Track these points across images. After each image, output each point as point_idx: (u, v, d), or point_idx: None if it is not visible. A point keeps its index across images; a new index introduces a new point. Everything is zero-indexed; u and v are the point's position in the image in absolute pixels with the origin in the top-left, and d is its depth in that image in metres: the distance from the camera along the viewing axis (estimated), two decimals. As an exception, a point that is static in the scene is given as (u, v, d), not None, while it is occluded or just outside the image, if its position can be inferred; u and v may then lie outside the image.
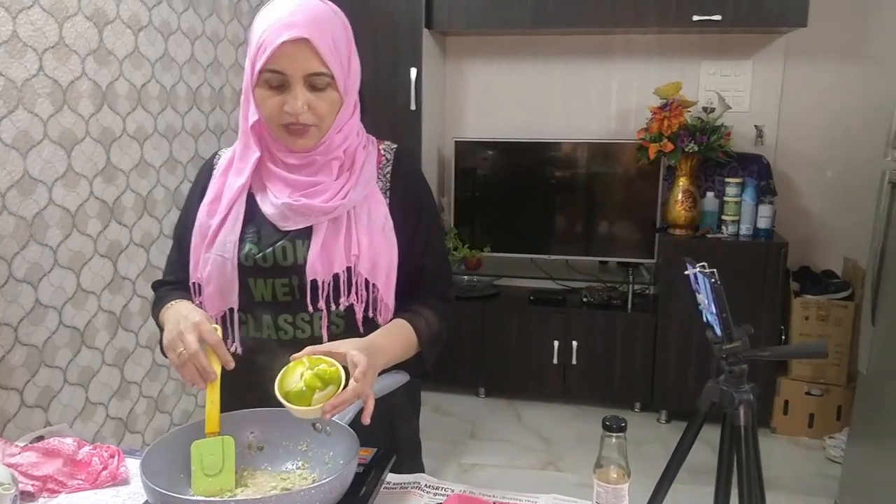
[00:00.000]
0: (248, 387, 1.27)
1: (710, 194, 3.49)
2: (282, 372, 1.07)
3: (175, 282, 1.36)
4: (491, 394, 3.81)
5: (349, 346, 1.10)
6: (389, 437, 1.30)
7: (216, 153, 1.37)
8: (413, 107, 3.45)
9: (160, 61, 2.52)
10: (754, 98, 3.65)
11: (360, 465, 1.10)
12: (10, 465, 1.18)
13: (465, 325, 3.65)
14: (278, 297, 1.25)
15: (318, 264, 1.22)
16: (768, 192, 3.40)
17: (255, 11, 2.94)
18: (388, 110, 3.43)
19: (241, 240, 1.25)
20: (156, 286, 1.40)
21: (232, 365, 1.14)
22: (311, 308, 1.24)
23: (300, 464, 1.15)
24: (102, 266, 2.28)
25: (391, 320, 1.29)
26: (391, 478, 1.23)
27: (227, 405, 1.14)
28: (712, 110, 3.38)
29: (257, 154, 1.25)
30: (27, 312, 1.99)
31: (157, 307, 1.32)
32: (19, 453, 1.25)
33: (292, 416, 1.06)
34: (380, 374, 1.18)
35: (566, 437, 3.38)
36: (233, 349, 1.28)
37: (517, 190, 3.79)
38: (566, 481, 2.99)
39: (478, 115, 3.97)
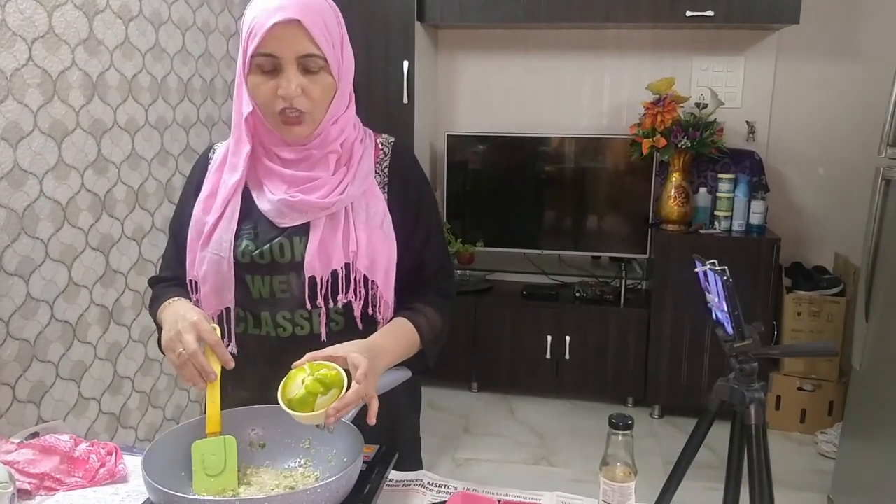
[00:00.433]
0: (247, 384, 1.26)
1: (702, 190, 3.50)
2: (284, 380, 1.05)
3: (172, 278, 1.34)
4: (484, 388, 3.81)
5: (349, 349, 1.08)
6: (391, 434, 1.29)
7: (211, 147, 1.35)
8: (405, 100, 3.43)
9: (151, 52, 2.49)
10: (746, 94, 3.66)
11: (363, 462, 1.09)
12: (6, 463, 1.16)
13: (458, 320, 3.64)
14: (276, 294, 1.24)
15: (317, 261, 1.20)
16: (761, 188, 3.41)
17: (245, 2, 2.92)
18: (381, 103, 3.41)
19: (238, 236, 1.23)
20: (152, 282, 1.38)
21: (231, 364, 1.13)
22: (309, 305, 1.22)
23: (303, 461, 1.14)
24: (94, 259, 2.25)
25: (392, 318, 1.28)
26: (393, 475, 1.22)
27: (226, 403, 1.13)
28: (705, 106, 3.38)
29: (248, 147, 1.23)
30: (18, 306, 1.95)
31: (154, 305, 1.30)
32: (15, 450, 1.22)
33: (294, 415, 1.05)
34: (381, 371, 1.17)
35: (559, 432, 3.38)
36: (229, 348, 1.26)
37: (510, 184, 3.78)
38: (560, 476, 2.99)
39: (470, 109, 3.95)
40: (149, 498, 1.00)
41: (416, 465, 1.45)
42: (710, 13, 3.24)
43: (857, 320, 2.56)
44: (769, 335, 3.36)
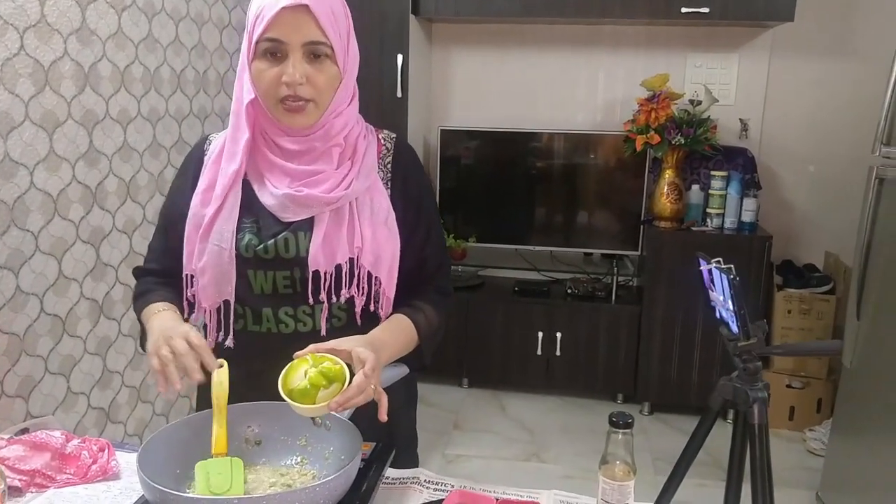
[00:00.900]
0: (245, 380, 1.24)
1: (695, 187, 3.50)
2: (285, 370, 1.04)
3: (158, 271, 1.32)
4: (474, 384, 3.80)
5: (354, 344, 1.08)
6: (388, 431, 1.28)
7: (206, 139, 1.33)
8: (399, 94, 3.41)
9: (144, 42, 2.46)
10: (740, 91, 3.66)
11: (360, 460, 1.08)
12: (-4, 459, 1.14)
13: (449, 316, 3.62)
14: (279, 289, 1.22)
15: (321, 256, 1.19)
16: (753, 186, 3.42)
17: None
18: (374, 97, 3.39)
19: (239, 230, 1.22)
20: (138, 274, 1.35)
21: (214, 367, 1.09)
22: (311, 300, 1.21)
23: (299, 459, 1.13)
24: (85, 252, 2.22)
25: (391, 314, 1.27)
26: (390, 472, 1.22)
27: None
28: (699, 103, 3.39)
29: (247, 135, 1.21)
30: (8, 300, 1.93)
31: (139, 302, 1.27)
32: (5, 446, 1.21)
33: (292, 411, 1.03)
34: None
35: (550, 429, 3.37)
36: (226, 343, 1.25)
37: (502, 180, 3.77)
38: (551, 473, 2.99)
39: (464, 103, 3.94)
40: (143, 496, 0.99)
41: (413, 461, 1.44)
42: (705, 10, 3.25)
43: (848, 318, 2.57)
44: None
